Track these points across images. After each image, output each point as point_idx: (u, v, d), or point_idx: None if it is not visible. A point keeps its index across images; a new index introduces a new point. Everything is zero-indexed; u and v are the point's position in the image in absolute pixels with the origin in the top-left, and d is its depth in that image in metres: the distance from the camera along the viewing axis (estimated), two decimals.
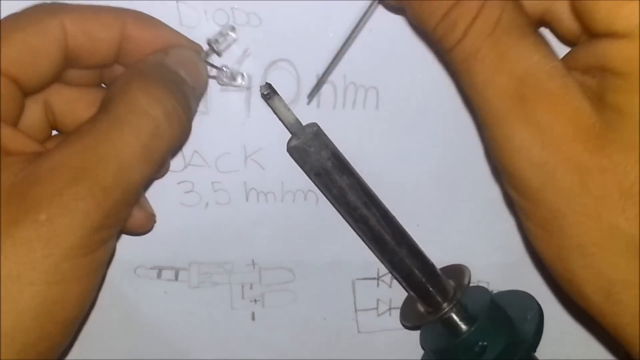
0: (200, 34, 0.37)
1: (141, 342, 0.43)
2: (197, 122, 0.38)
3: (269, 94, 0.37)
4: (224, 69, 0.38)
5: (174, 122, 0.32)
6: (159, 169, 0.36)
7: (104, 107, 0.32)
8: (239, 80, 0.38)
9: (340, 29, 0.38)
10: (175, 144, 0.33)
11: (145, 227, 0.39)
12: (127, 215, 0.34)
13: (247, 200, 0.41)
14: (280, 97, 0.37)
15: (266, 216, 0.41)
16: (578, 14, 0.33)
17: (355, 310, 0.44)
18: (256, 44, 0.38)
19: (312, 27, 0.38)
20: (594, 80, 0.31)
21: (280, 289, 0.43)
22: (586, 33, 0.33)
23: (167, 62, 0.34)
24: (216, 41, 0.37)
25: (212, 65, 0.37)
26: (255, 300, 0.43)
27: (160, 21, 0.35)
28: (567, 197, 0.30)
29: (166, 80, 0.33)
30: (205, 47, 0.37)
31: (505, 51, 0.31)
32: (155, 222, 0.39)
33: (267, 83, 0.37)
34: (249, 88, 0.39)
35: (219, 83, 0.38)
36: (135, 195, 0.32)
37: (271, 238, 0.42)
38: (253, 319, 0.43)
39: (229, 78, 0.38)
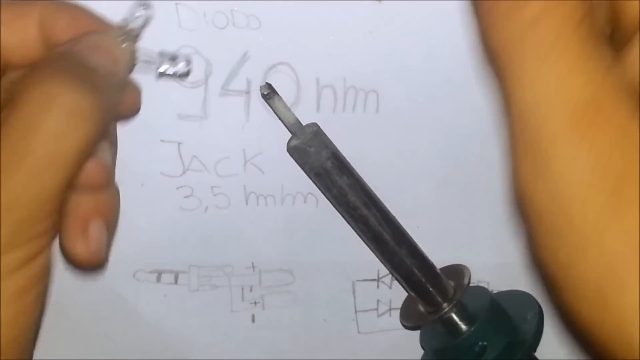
0: (200, 36, 0.37)
1: (141, 346, 0.43)
2: (196, 127, 0.38)
3: (269, 94, 0.36)
4: (163, 54, 0.35)
5: (82, 119, 0.29)
6: (81, 166, 0.32)
7: (3, 116, 0.29)
8: (182, 65, 0.36)
9: (340, 31, 0.38)
10: (93, 138, 0.30)
11: (136, 105, 0.36)
12: (51, 224, 0.31)
13: (246, 204, 0.40)
14: (280, 97, 0.37)
15: (266, 219, 0.41)
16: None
17: (355, 311, 0.44)
18: (255, 46, 0.38)
19: (312, 30, 0.38)
20: None
21: (280, 290, 0.43)
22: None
23: (75, 50, 0.31)
24: (126, 21, 0.34)
25: (146, 54, 0.35)
26: (255, 303, 0.43)
27: (80, 8, 0.33)
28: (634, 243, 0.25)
29: (69, 73, 0.30)
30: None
31: (576, 61, 0.26)
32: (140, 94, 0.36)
33: (267, 83, 0.36)
34: (247, 92, 0.38)
35: (161, 74, 0.36)
36: (52, 203, 0.30)
37: (271, 240, 0.42)
38: (253, 321, 0.43)
39: (171, 63, 0.35)
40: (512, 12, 0.27)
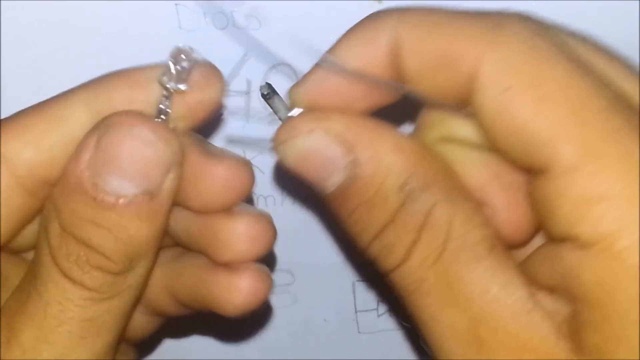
0: (199, 38, 0.37)
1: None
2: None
3: (269, 94, 0.36)
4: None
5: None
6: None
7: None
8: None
9: (341, 31, 0.38)
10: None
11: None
12: None
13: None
14: (280, 97, 0.36)
15: None
16: (536, 204, 0.25)
17: (356, 311, 0.44)
18: (255, 47, 0.38)
19: (312, 30, 0.38)
20: (566, 307, 0.24)
21: (281, 291, 0.43)
22: (545, 234, 0.26)
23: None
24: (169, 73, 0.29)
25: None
26: None
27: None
28: None
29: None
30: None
31: (456, 282, 0.25)
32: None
33: (267, 83, 0.36)
34: (247, 93, 0.38)
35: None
36: None
37: None
38: (254, 321, 0.43)
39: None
40: (384, 251, 0.26)
